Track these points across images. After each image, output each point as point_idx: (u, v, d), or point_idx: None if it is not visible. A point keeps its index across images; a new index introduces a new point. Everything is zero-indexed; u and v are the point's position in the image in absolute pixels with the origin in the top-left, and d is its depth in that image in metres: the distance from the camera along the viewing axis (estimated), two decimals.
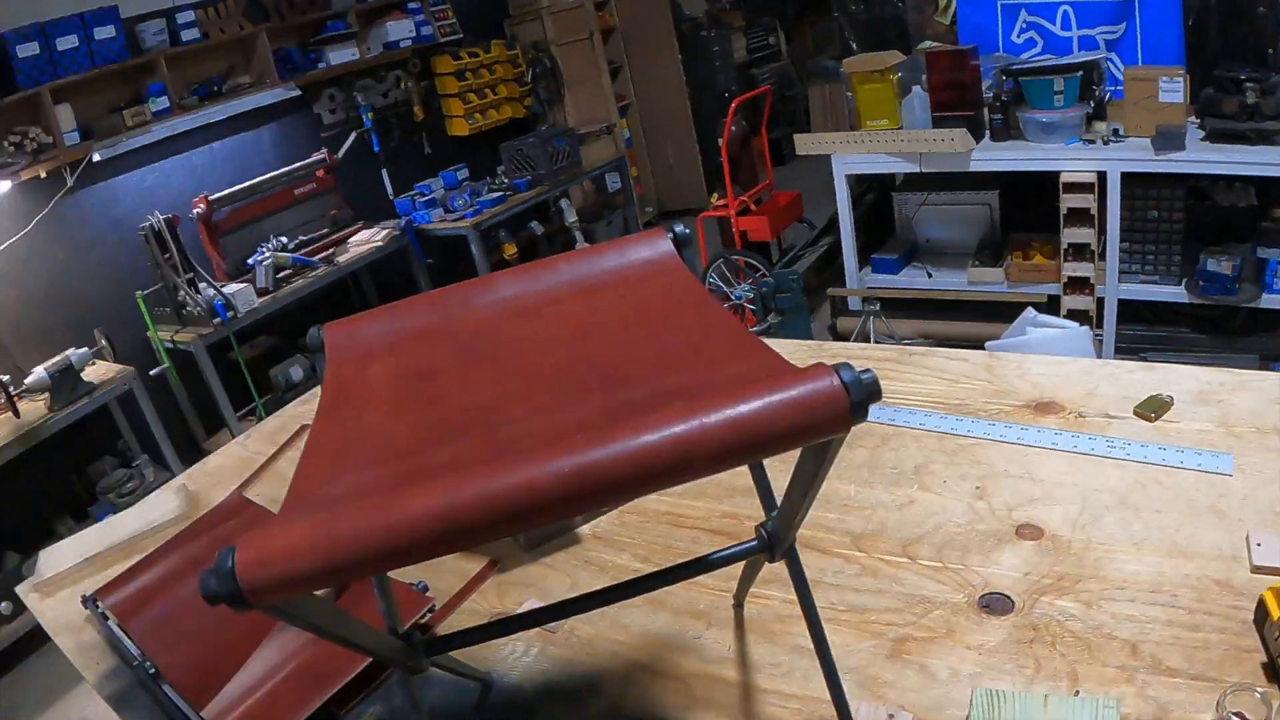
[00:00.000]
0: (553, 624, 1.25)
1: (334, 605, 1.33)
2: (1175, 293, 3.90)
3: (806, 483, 0.73)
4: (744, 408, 0.57)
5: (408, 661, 0.88)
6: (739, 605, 1.21)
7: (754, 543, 0.90)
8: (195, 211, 4.25)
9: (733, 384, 0.60)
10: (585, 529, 1.43)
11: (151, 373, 4.10)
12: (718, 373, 0.65)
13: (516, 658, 1.22)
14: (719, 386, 0.60)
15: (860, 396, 0.56)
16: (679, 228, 0.91)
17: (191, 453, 4.21)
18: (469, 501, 0.54)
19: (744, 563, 1.10)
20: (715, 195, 5.18)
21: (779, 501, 0.88)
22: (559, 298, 0.87)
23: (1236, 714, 0.86)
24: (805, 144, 4.51)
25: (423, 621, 1.29)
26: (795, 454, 0.72)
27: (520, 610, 1.29)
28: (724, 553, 0.90)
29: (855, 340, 4.31)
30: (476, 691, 1.18)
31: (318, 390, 1.02)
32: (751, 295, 4.85)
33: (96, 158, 4.09)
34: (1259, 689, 0.86)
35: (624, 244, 0.92)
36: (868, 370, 0.58)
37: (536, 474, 0.55)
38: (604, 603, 0.91)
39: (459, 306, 0.88)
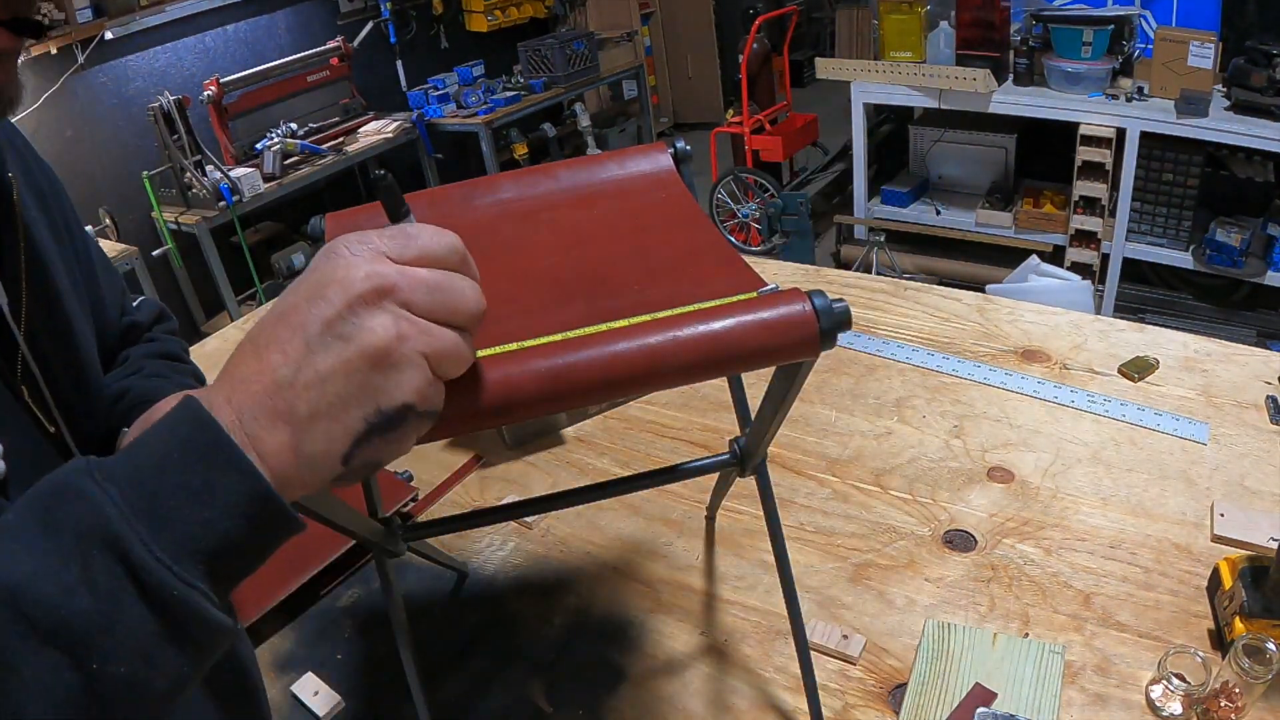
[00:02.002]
0: (530, 520, 1.28)
1: None
2: (1181, 258, 3.89)
3: (776, 402, 0.76)
4: (717, 325, 0.59)
5: (387, 545, 0.91)
6: (710, 518, 1.25)
7: (726, 456, 0.92)
8: (206, 94, 4.19)
9: (710, 300, 0.62)
10: (569, 431, 1.45)
11: (154, 253, 4.09)
12: (699, 289, 0.67)
13: (493, 551, 1.25)
14: (697, 302, 0.62)
15: (829, 324, 0.58)
16: (680, 143, 0.91)
17: (190, 335, 4.22)
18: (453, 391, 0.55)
19: (717, 476, 1.13)
20: (731, 111, 5.11)
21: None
22: (556, 204, 0.88)
23: (1177, 674, 0.89)
24: (826, 68, 4.45)
25: (405, 510, 1.32)
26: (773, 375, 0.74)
27: (500, 504, 1.32)
28: (697, 463, 0.92)
29: (857, 269, 4.31)
30: (453, 580, 1.21)
31: None
32: (758, 214, 4.83)
33: (109, 35, 4.01)
34: (1200, 653, 0.89)
35: (624, 155, 0.92)
36: (840, 300, 0.60)
37: (515, 371, 0.56)
38: (580, 501, 0.94)
39: (459, 205, 0.89)
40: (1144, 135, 3.68)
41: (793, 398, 0.73)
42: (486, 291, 0.52)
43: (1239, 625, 0.91)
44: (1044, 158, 4.33)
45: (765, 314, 0.60)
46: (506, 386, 0.55)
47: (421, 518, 1.31)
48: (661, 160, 0.92)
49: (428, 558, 1.16)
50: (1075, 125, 3.80)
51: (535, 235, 0.84)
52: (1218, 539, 1.09)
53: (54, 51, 3.86)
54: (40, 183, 0.73)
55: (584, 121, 5.91)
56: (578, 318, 0.65)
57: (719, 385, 1.01)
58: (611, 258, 0.65)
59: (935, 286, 1.73)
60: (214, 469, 0.44)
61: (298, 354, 0.46)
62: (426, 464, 1.42)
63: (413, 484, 1.38)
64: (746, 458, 0.90)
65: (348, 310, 0.47)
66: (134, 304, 0.94)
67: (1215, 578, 1.00)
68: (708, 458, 0.93)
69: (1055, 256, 4.10)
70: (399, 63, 5.47)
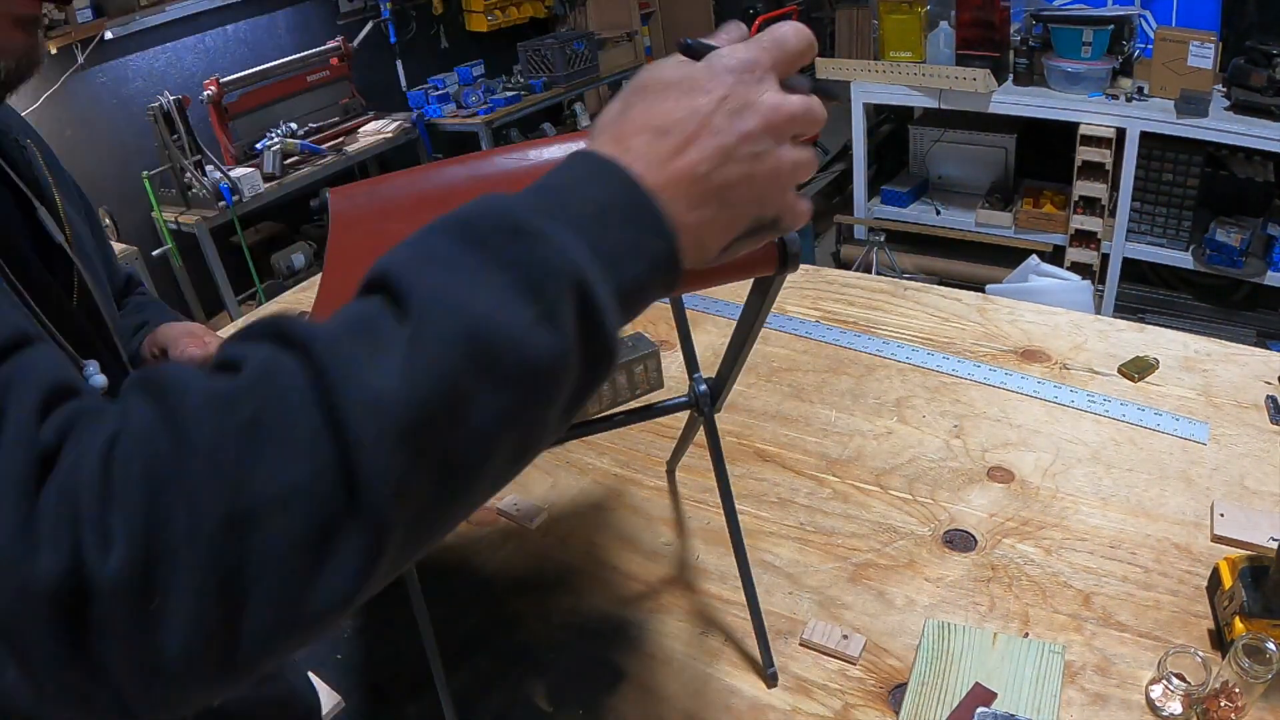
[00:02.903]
0: (530, 520, 1.28)
1: None
2: (1181, 258, 3.88)
3: (748, 325, 0.85)
4: None
5: None
6: (670, 471, 1.31)
7: (684, 398, 1.04)
8: (206, 94, 4.17)
9: None
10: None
11: (154, 253, 4.07)
12: None
13: (493, 551, 1.25)
14: None
15: (795, 249, 0.70)
16: None
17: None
18: None
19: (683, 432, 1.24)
20: None
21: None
22: (538, 175, 0.93)
23: (1176, 674, 0.89)
24: (826, 68, 4.44)
25: None
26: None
27: (500, 504, 1.32)
28: (669, 403, 1.05)
29: (857, 269, 4.31)
30: (453, 580, 1.21)
31: (318, 278, 1.06)
32: None
33: (108, 35, 3.99)
34: (1200, 653, 0.89)
35: (581, 136, 0.98)
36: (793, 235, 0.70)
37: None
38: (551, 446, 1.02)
39: (450, 177, 0.96)
40: (1144, 135, 3.67)
41: (764, 315, 0.81)
42: None
43: (1239, 625, 0.91)
44: (1044, 158, 4.33)
45: None
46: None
47: None
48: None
49: None
50: (1075, 125, 3.79)
51: None
52: (1218, 539, 1.09)
53: (54, 51, 3.85)
54: (46, 155, 0.79)
55: (584, 121, 5.91)
56: None
57: None
58: None
59: (935, 286, 1.73)
60: (643, 229, 0.48)
61: (716, 158, 0.50)
62: None
63: None
64: (716, 395, 1.01)
65: (761, 134, 0.51)
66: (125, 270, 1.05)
67: (1215, 578, 1.00)
68: (677, 398, 1.05)
69: (1055, 256, 4.09)
70: (399, 63, 5.46)
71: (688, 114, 0.51)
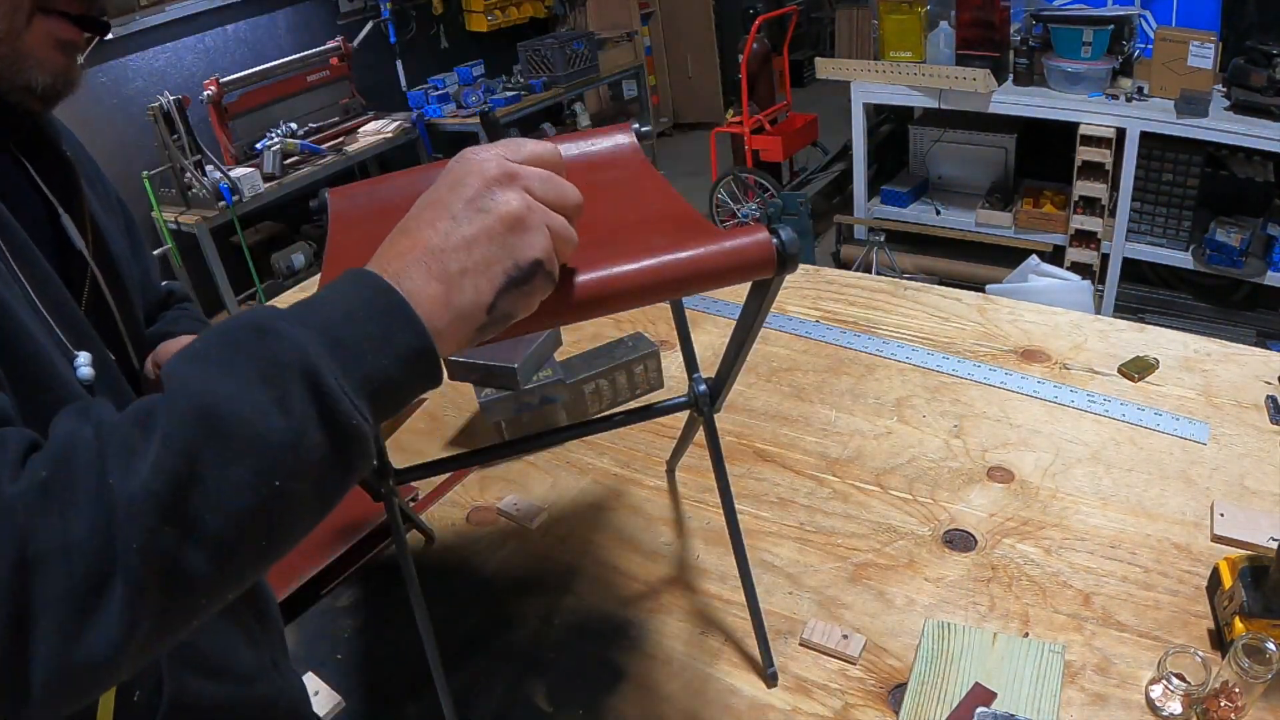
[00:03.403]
0: (530, 520, 1.28)
1: None
2: (1181, 258, 3.89)
3: (747, 325, 0.86)
4: (695, 251, 0.70)
5: (376, 479, 0.99)
6: (670, 472, 1.31)
7: (683, 398, 1.05)
8: (206, 94, 4.18)
9: (681, 241, 0.72)
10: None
11: (154, 253, 4.07)
12: (666, 240, 0.73)
13: (493, 551, 1.25)
14: (670, 244, 0.71)
15: (794, 250, 0.70)
16: (635, 124, 1.00)
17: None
18: None
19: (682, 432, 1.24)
20: (731, 111, 5.11)
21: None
22: None
23: (1176, 674, 0.89)
24: (826, 68, 4.45)
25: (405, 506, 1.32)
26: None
27: (500, 504, 1.32)
28: (669, 403, 1.06)
29: (857, 269, 4.31)
30: (453, 581, 1.22)
31: (317, 278, 1.06)
32: (758, 214, 4.83)
33: (109, 35, 4.00)
34: (1200, 653, 0.89)
35: (593, 133, 1.00)
36: (792, 234, 0.71)
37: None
38: (550, 444, 1.08)
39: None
40: (1144, 135, 3.67)
41: (763, 316, 0.82)
42: None
43: (1239, 625, 0.91)
44: (1044, 158, 4.33)
45: (730, 242, 0.71)
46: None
47: (423, 516, 1.31)
48: (625, 138, 0.99)
49: (402, 512, 1.19)
50: (1075, 125, 3.79)
51: None
52: (1218, 539, 1.10)
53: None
54: (88, 166, 0.85)
55: (584, 121, 5.91)
56: None
57: None
58: (584, 216, 0.71)
59: (935, 286, 1.73)
60: (393, 324, 0.53)
61: (446, 226, 0.57)
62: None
63: (413, 483, 1.37)
64: (715, 395, 1.01)
65: (485, 190, 0.58)
66: (163, 283, 1.06)
67: (1215, 578, 1.00)
68: (677, 398, 1.05)
69: (1055, 256, 4.09)
70: (399, 62, 5.46)
71: (423, 205, 0.59)
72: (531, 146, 0.62)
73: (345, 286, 0.55)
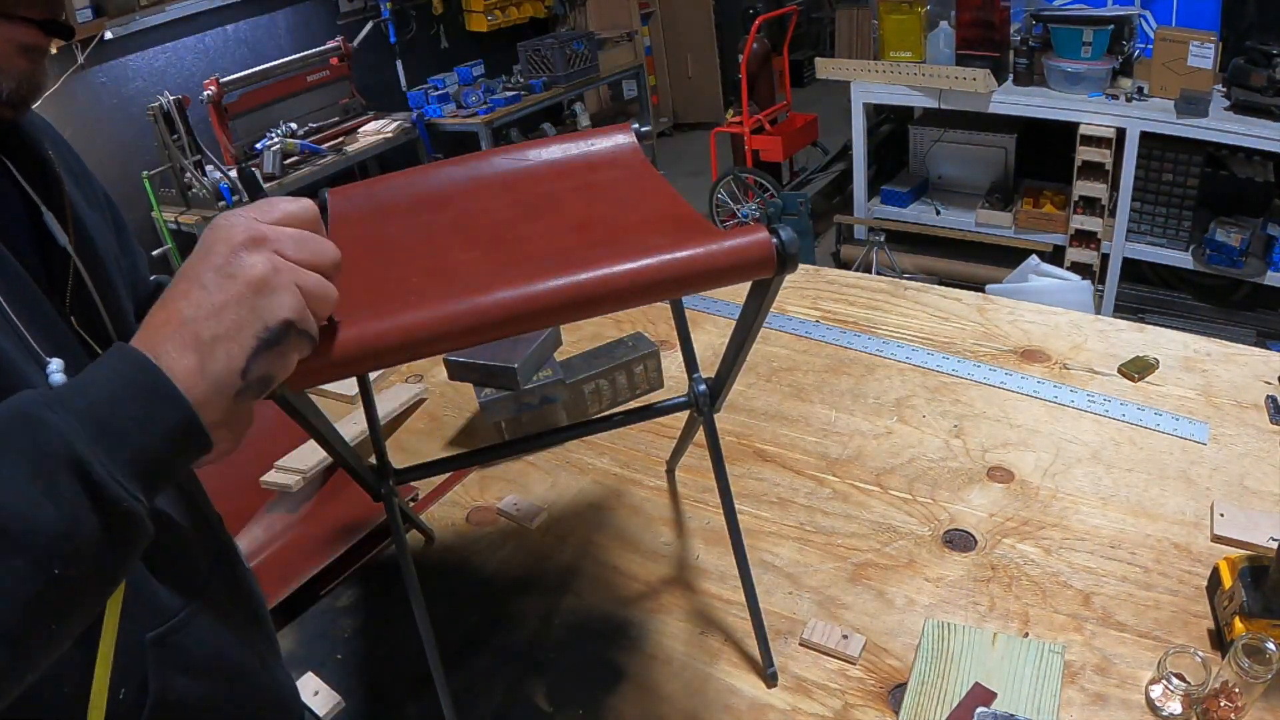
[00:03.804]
0: (530, 520, 1.28)
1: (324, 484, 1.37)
2: (1181, 258, 3.89)
3: (747, 325, 0.87)
4: (694, 250, 0.70)
5: (376, 479, 1.00)
6: (670, 471, 1.32)
7: (683, 398, 1.05)
8: (206, 94, 4.17)
9: (681, 241, 0.72)
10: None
11: (154, 253, 4.08)
12: (666, 240, 0.74)
13: (493, 551, 1.25)
14: (670, 243, 0.71)
15: (793, 250, 0.70)
16: (635, 125, 1.00)
17: None
18: (451, 314, 0.67)
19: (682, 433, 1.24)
20: (731, 111, 5.11)
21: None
22: (536, 176, 0.97)
23: (1176, 674, 0.89)
24: (826, 68, 4.45)
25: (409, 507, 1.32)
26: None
27: (500, 504, 1.32)
28: (668, 403, 1.07)
29: (857, 269, 4.31)
30: (452, 581, 1.22)
31: None
32: (758, 214, 4.82)
33: (108, 35, 3.99)
34: (1200, 653, 0.89)
35: (593, 133, 1.01)
36: (792, 234, 0.71)
37: (506, 295, 0.68)
38: (550, 444, 1.09)
39: (448, 178, 0.98)
40: (1144, 135, 3.67)
41: (764, 316, 0.83)
42: (466, 258, 0.67)
43: (1239, 625, 0.91)
44: (1044, 158, 4.33)
45: (730, 242, 0.71)
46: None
47: (423, 516, 1.31)
48: (625, 139, 1.00)
49: (404, 513, 1.19)
50: (1075, 125, 3.79)
51: (518, 201, 0.92)
52: (1217, 539, 1.09)
53: (54, 51, 3.84)
54: (72, 163, 0.83)
55: (584, 121, 5.91)
56: (556, 260, 0.75)
57: None
58: (584, 217, 0.72)
59: (935, 286, 1.73)
60: (155, 403, 0.54)
61: (196, 295, 0.57)
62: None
63: (413, 483, 1.37)
64: (716, 395, 1.01)
65: (231, 256, 0.58)
66: (152, 278, 1.03)
67: (1215, 578, 1.00)
68: (676, 398, 1.06)
69: (1055, 256, 4.09)
70: (399, 62, 5.46)
71: (177, 278, 0.60)
72: (284, 206, 0.63)
73: (110, 364, 0.55)
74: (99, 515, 0.51)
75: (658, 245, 0.70)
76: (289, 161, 4.35)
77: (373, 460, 1.03)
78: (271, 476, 1.35)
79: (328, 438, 0.90)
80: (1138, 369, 1.40)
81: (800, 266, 1.89)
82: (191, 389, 0.56)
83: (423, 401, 1.58)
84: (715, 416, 1.02)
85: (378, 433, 1.07)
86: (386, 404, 1.53)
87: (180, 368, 0.55)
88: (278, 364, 0.60)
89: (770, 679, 0.99)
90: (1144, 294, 4.18)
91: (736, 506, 1.02)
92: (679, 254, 0.69)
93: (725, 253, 0.70)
